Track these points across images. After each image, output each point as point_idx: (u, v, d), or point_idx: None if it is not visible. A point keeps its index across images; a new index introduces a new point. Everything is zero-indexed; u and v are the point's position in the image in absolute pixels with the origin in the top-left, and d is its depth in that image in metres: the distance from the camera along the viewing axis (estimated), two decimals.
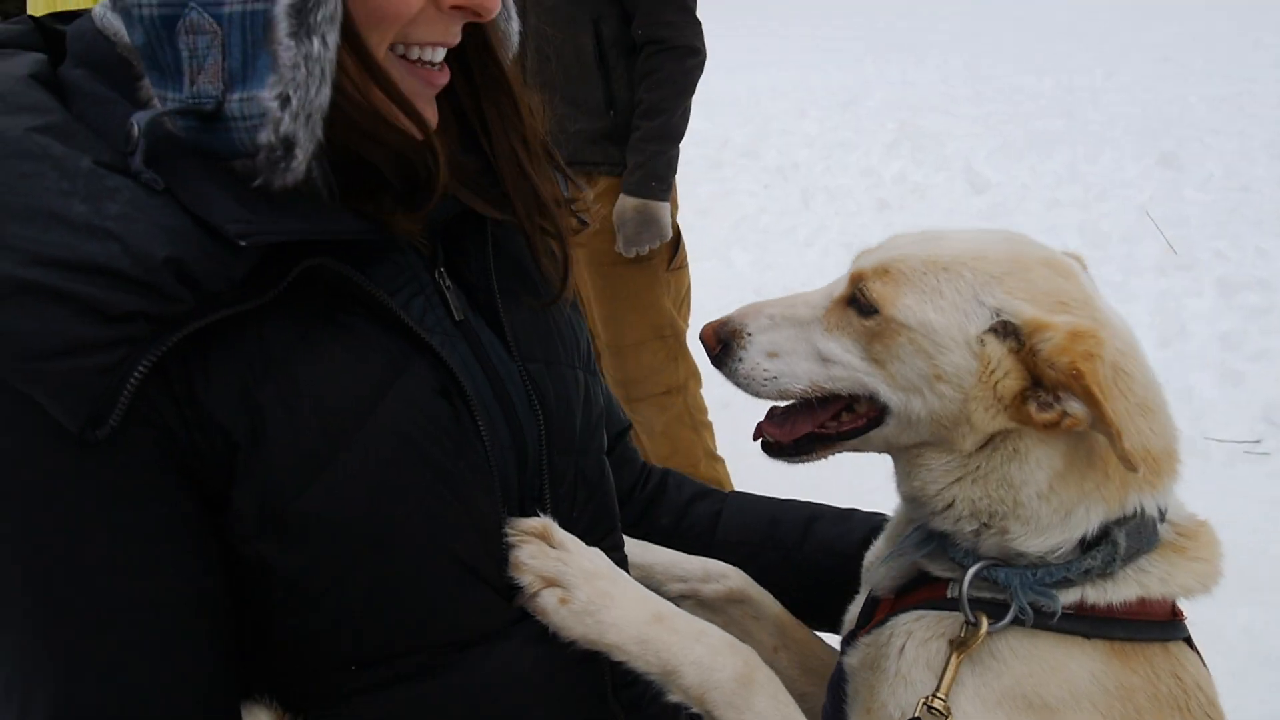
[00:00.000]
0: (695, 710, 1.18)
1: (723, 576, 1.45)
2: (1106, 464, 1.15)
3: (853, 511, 1.52)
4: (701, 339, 1.33)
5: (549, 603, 1.15)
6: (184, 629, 0.99)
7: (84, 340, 0.86)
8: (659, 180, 3.70)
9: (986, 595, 1.18)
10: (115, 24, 1.00)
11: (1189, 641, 1.22)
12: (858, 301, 1.23)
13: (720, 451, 4.18)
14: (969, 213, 7.59)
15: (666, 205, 3.75)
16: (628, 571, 1.30)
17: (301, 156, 0.94)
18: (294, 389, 0.99)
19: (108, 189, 0.90)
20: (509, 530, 1.14)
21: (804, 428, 1.28)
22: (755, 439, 1.32)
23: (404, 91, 1.04)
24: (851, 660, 1.27)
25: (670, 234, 3.83)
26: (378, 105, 1.01)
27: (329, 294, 1.03)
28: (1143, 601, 1.16)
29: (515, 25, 1.21)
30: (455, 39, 1.07)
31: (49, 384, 0.87)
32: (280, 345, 0.99)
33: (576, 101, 3.84)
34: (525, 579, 1.15)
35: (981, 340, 1.16)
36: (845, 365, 1.23)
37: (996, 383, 1.15)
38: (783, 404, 1.32)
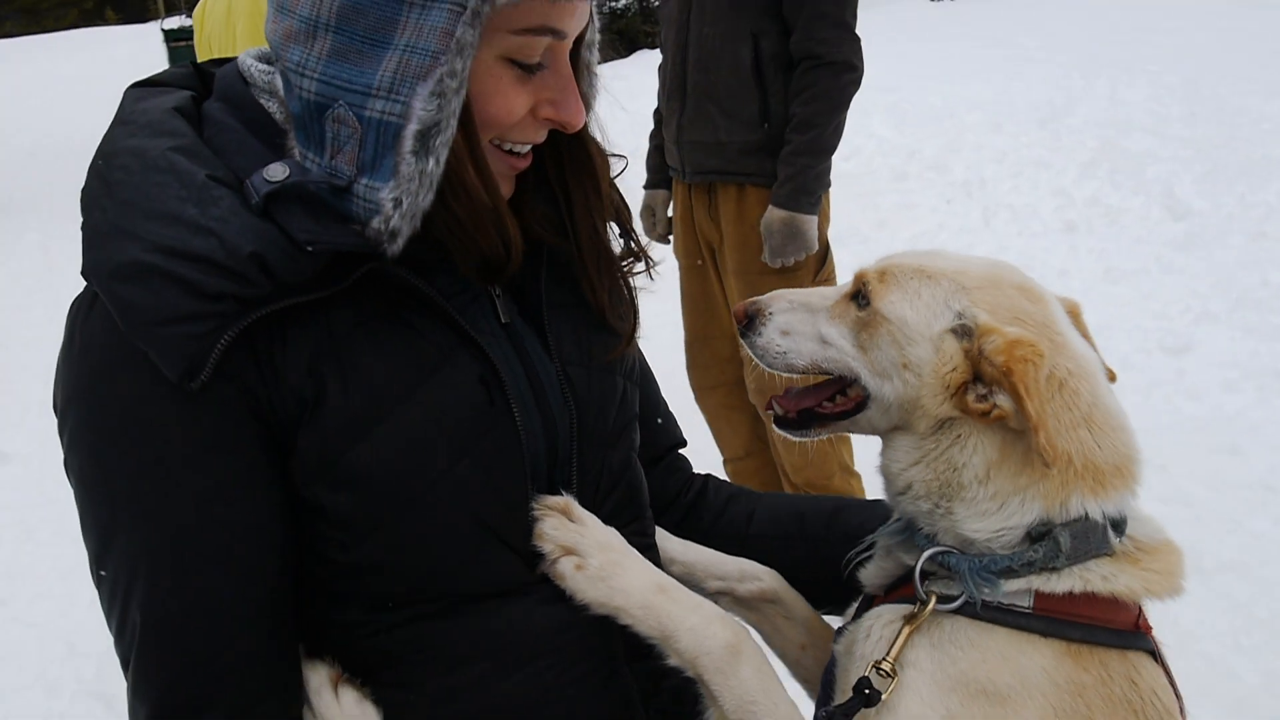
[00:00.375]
0: (689, 674, 1.34)
1: (757, 578, 1.59)
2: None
3: (879, 501, 1.60)
4: (733, 313, 1.53)
5: (566, 568, 1.32)
6: (254, 549, 1.21)
7: (185, 312, 1.10)
8: (807, 194, 3.70)
9: (957, 592, 1.31)
10: (258, 74, 1.27)
11: (1156, 656, 1.31)
12: (858, 295, 1.44)
13: (857, 467, 4.13)
14: (1161, 240, 7.18)
15: (814, 219, 3.75)
16: (659, 562, 1.48)
17: (401, 242, 1.18)
18: (351, 365, 1.21)
19: (213, 197, 1.14)
20: (535, 505, 1.32)
21: (806, 404, 1.49)
22: (766, 410, 1.55)
23: (492, 172, 1.25)
24: (838, 648, 1.42)
25: (816, 247, 3.82)
26: (470, 181, 1.23)
27: (392, 292, 1.24)
28: (1087, 597, 1.27)
29: (597, 85, 1.40)
30: (541, 139, 1.31)
31: (159, 344, 1.12)
32: (343, 330, 1.21)
33: (732, 113, 3.89)
34: (546, 547, 1.32)
35: (942, 337, 1.34)
36: (839, 349, 1.44)
37: (947, 374, 1.33)
38: (795, 379, 1.52)
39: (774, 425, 1.52)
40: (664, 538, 1.60)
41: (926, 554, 1.34)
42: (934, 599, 1.30)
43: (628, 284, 1.50)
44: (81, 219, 1.18)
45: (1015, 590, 1.29)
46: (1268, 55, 11.19)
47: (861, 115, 11.24)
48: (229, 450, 1.18)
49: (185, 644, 1.17)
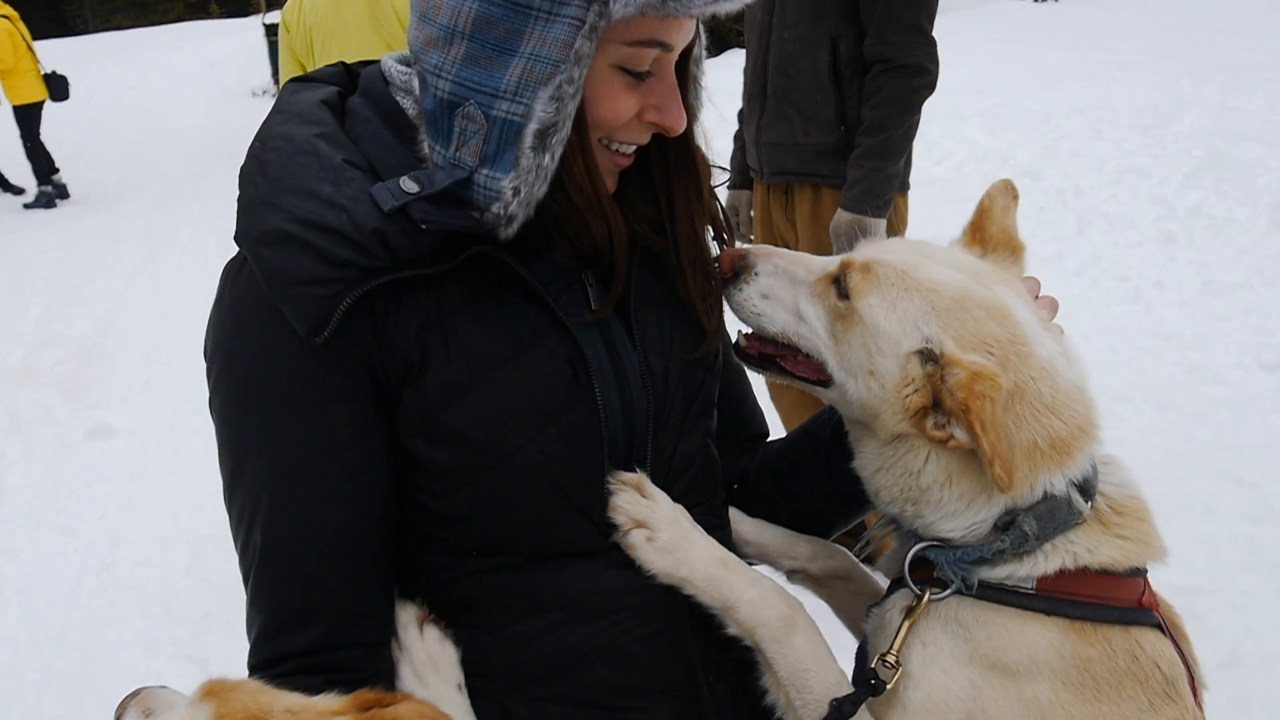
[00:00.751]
0: (747, 642, 1.44)
1: (829, 556, 1.68)
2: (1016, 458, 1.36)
3: None
4: (720, 260, 1.56)
5: (637, 540, 1.42)
6: (362, 488, 1.35)
7: (315, 275, 1.25)
8: (875, 197, 3.71)
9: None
10: (396, 74, 1.42)
11: (1163, 629, 1.38)
12: (839, 283, 1.47)
13: None
14: (1267, 254, 6.94)
15: (882, 222, 3.76)
16: (728, 543, 1.57)
17: (515, 226, 1.31)
18: (454, 335, 1.34)
19: (347, 178, 1.29)
20: (610, 479, 1.43)
21: (769, 349, 1.54)
22: (734, 343, 1.59)
23: (599, 169, 1.38)
24: (868, 627, 1.52)
25: None
26: (579, 175, 1.35)
27: (496, 275, 1.37)
28: (1085, 576, 1.35)
29: (702, 96, 1.51)
30: (645, 141, 1.42)
31: (291, 302, 1.26)
32: (450, 304, 1.35)
33: (810, 116, 3.92)
34: (619, 519, 1.42)
35: (909, 358, 1.39)
36: (813, 330, 1.48)
37: (907, 395, 1.38)
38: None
39: (736, 355, 1.59)
40: (739, 520, 1.68)
41: (911, 552, 1.43)
42: (928, 592, 1.39)
43: (719, 283, 1.57)
44: (238, 192, 1.34)
45: (1001, 576, 1.37)
46: None
47: (956, 119, 11.13)
48: (345, 399, 1.33)
49: (297, 565, 1.33)
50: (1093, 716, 1.32)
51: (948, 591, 1.39)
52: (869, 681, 1.34)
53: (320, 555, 1.33)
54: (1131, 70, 11.92)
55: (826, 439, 1.68)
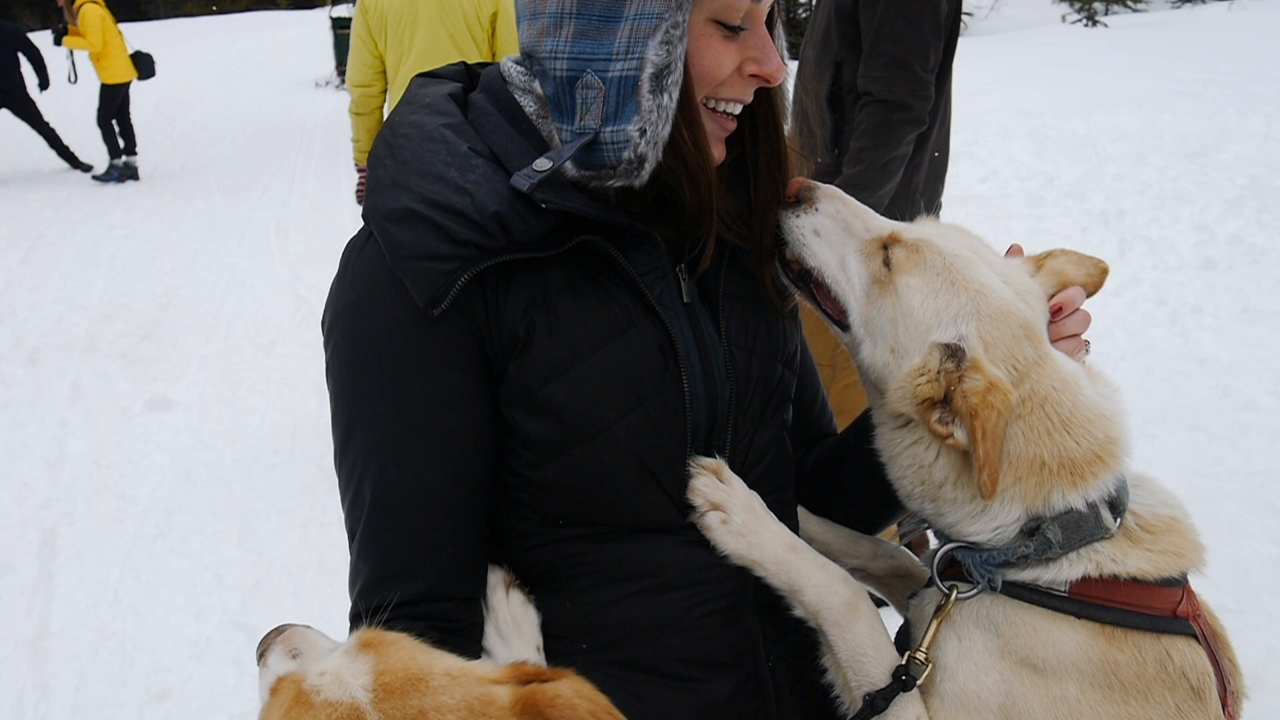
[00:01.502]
0: (811, 624, 1.51)
1: (890, 556, 1.74)
2: (1015, 469, 1.42)
3: None
4: (789, 186, 1.60)
5: (713, 521, 1.49)
6: (467, 451, 1.44)
7: (437, 252, 1.34)
8: None
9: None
10: (515, 74, 1.50)
11: (1198, 638, 1.39)
12: (886, 251, 1.53)
13: None
14: None
15: None
16: (796, 530, 1.63)
17: (648, 169, 1.38)
18: (556, 317, 1.43)
19: (471, 164, 1.39)
20: (691, 462, 1.51)
21: (808, 276, 1.60)
22: (777, 254, 1.63)
23: (705, 130, 1.44)
24: (910, 615, 1.58)
25: None
26: (685, 138, 1.41)
27: (598, 263, 1.46)
28: (1117, 583, 1.38)
29: (789, 96, 1.60)
30: (749, 98, 1.47)
31: (413, 275, 1.36)
32: (555, 287, 1.44)
33: (815, 136, 4.01)
34: (697, 500, 1.50)
35: (935, 348, 1.44)
36: (849, 284, 1.55)
37: (919, 382, 1.43)
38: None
39: (776, 260, 1.63)
40: (805, 518, 1.75)
41: (940, 553, 1.49)
42: (955, 591, 1.45)
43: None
44: (367, 172, 1.43)
45: (1028, 579, 1.41)
46: None
47: (1002, 139, 11.21)
48: (456, 367, 1.41)
49: (405, 520, 1.41)
50: (1119, 718, 1.35)
51: (974, 591, 1.44)
52: (900, 677, 1.41)
53: (426, 511, 1.41)
54: (1179, 97, 11.91)
55: (851, 442, 1.75)
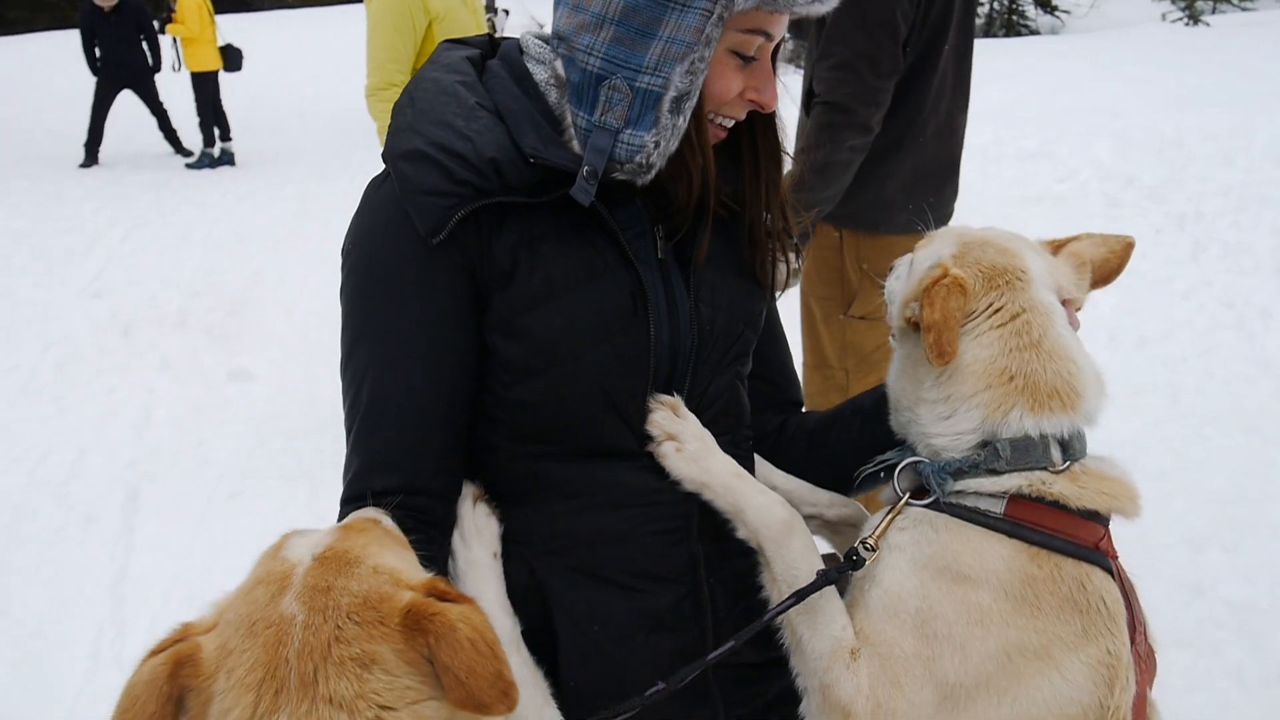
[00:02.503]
0: (752, 544, 1.66)
1: (844, 505, 1.89)
2: (986, 377, 1.58)
3: None
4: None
5: (668, 450, 1.66)
6: (454, 365, 1.62)
7: (439, 188, 1.53)
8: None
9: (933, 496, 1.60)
10: (533, 46, 1.69)
11: (1112, 574, 1.51)
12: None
13: None
14: None
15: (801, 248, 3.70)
16: (746, 470, 1.76)
17: (652, 174, 1.58)
18: (539, 256, 1.60)
19: (476, 116, 1.58)
20: (651, 399, 1.68)
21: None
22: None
23: (710, 140, 1.63)
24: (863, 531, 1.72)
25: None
26: (694, 148, 1.61)
27: (583, 215, 1.61)
28: (1048, 510, 1.51)
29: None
30: (743, 118, 1.67)
31: (417, 207, 1.55)
32: (541, 231, 1.61)
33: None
34: (655, 431, 1.67)
35: (923, 271, 1.68)
36: (898, 284, 1.84)
37: (905, 294, 1.70)
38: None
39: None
40: (769, 470, 1.89)
41: (904, 463, 1.66)
42: (907, 495, 1.62)
43: (785, 253, 1.86)
44: (390, 121, 1.65)
45: (970, 489, 1.54)
46: None
47: (1086, 139, 11.03)
48: (449, 292, 1.59)
49: (393, 420, 1.58)
50: (1026, 629, 1.45)
51: (928, 499, 1.59)
52: (850, 558, 1.57)
53: (413, 414, 1.58)
54: (1273, 99, 11.55)
55: (868, 407, 1.90)
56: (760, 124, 1.75)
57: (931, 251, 1.74)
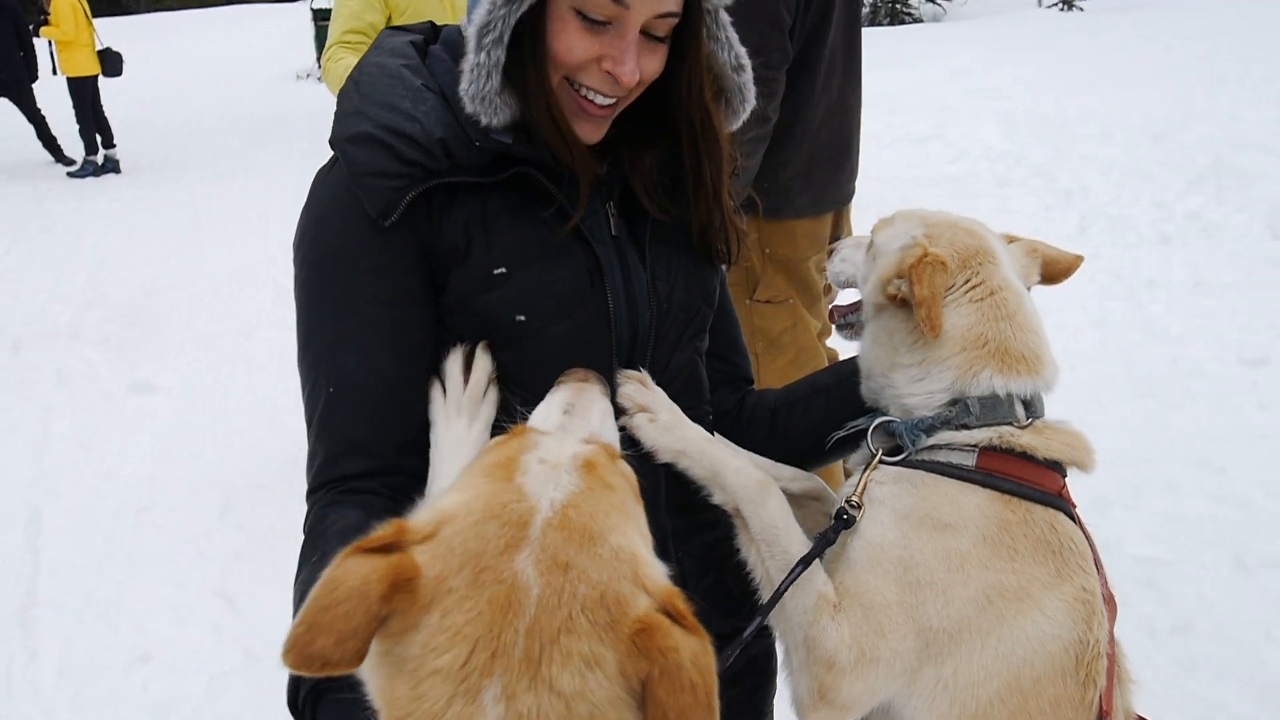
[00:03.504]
0: (728, 508, 1.68)
1: (808, 478, 1.92)
2: (962, 341, 1.66)
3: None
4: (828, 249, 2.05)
5: (642, 421, 1.67)
6: (413, 341, 1.59)
7: (388, 170, 1.52)
8: None
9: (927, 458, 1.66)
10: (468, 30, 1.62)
11: (1074, 519, 1.60)
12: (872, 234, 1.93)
13: None
14: (1256, 257, 7.18)
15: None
16: None
17: (486, 122, 1.54)
18: (494, 234, 1.59)
19: (423, 98, 1.56)
20: (619, 374, 1.68)
21: (842, 312, 2.01)
22: (829, 320, 2.04)
23: (561, 108, 1.57)
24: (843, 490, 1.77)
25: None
26: (540, 107, 1.56)
27: (534, 193, 1.61)
28: (1016, 461, 1.59)
29: (748, 107, 1.76)
30: (611, 93, 1.57)
31: (367, 190, 1.53)
32: (493, 210, 1.60)
33: None
34: (626, 404, 1.67)
35: (894, 252, 1.77)
36: (855, 266, 1.95)
37: (885, 274, 1.76)
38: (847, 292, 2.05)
39: (835, 328, 2.03)
40: (731, 446, 1.86)
41: (876, 422, 1.71)
42: (880, 451, 1.68)
43: (735, 228, 1.83)
44: (335, 107, 1.63)
45: (942, 444, 1.61)
46: None
47: (973, 121, 11.40)
48: (405, 270, 1.57)
49: (359, 400, 1.55)
50: (1005, 571, 1.51)
51: (902, 456, 1.65)
52: (841, 517, 1.59)
53: (378, 394, 1.55)
54: (1147, 78, 12.11)
55: (830, 384, 1.94)
56: (700, 122, 1.68)
57: (897, 232, 1.82)
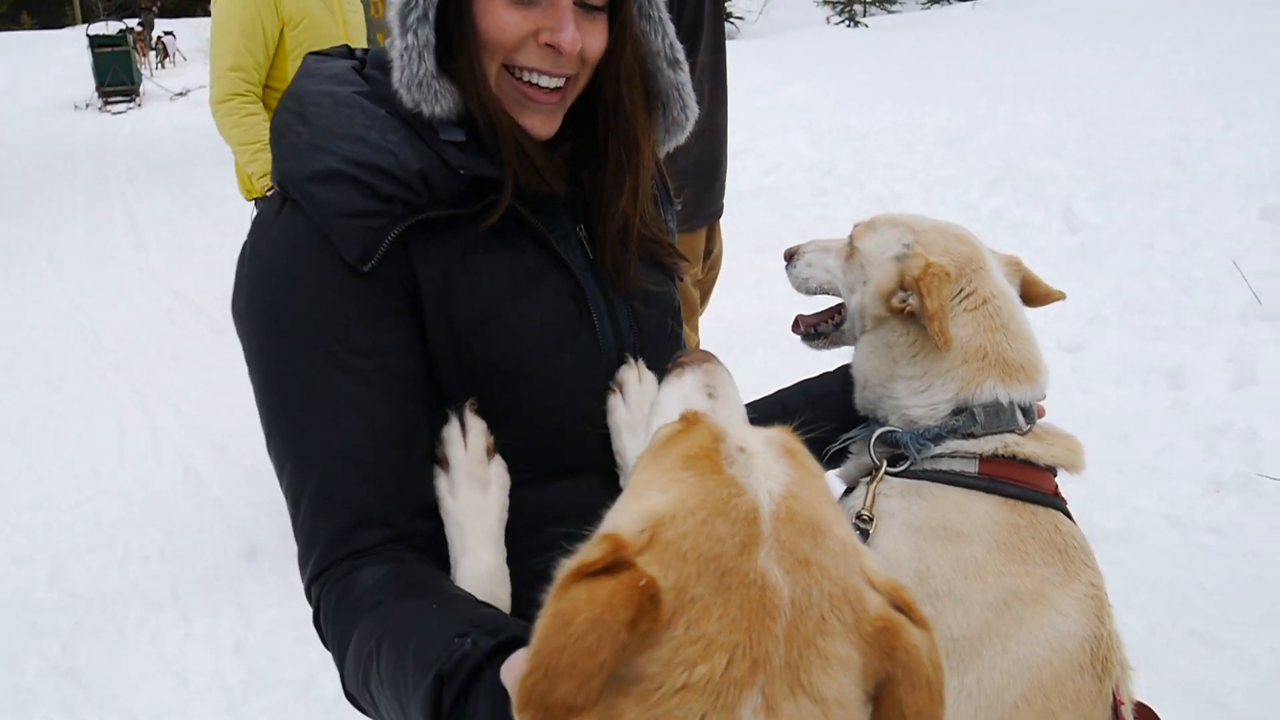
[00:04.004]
0: None
1: None
2: (964, 353, 1.66)
3: (838, 369, 1.99)
4: (785, 254, 2.04)
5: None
6: (410, 389, 1.46)
7: (365, 209, 1.40)
8: None
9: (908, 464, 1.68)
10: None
11: (1072, 518, 1.67)
12: (851, 240, 1.90)
13: None
14: (1059, 251, 7.72)
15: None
16: None
17: (429, 112, 1.46)
18: (475, 271, 1.49)
19: (392, 127, 1.45)
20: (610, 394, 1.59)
21: (813, 322, 2.01)
22: (794, 330, 2.03)
23: (501, 97, 1.50)
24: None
25: None
26: (478, 98, 1.49)
27: (509, 221, 1.51)
28: (1016, 465, 1.63)
29: (692, 115, 1.72)
30: (555, 69, 1.49)
31: (342, 232, 1.40)
32: (472, 243, 1.49)
33: None
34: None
35: (889, 260, 1.79)
36: (832, 273, 1.92)
37: (885, 284, 1.77)
38: (815, 300, 2.01)
39: (801, 338, 2.01)
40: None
41: (877, 432, 1.73)
42: (885, 462, 1.69)
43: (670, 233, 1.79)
44: (274, 147, 1.49)
45: (948, 453, 1.63)
46: (1158, 84, 11.95)
47: (782, 134, 11.82)
48: (393, 314, 1.44)
49: (362, 468, 1.39)
50: (1019, 574, 1.54)
51: (904, 465, 1.66)
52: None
53: (382, 455, 1.40)
54: (934, 91, 12.88)
55: (799, 406, 1.89)
56: (611, 115, 1.60)
57: (885, 239, 1.82)
